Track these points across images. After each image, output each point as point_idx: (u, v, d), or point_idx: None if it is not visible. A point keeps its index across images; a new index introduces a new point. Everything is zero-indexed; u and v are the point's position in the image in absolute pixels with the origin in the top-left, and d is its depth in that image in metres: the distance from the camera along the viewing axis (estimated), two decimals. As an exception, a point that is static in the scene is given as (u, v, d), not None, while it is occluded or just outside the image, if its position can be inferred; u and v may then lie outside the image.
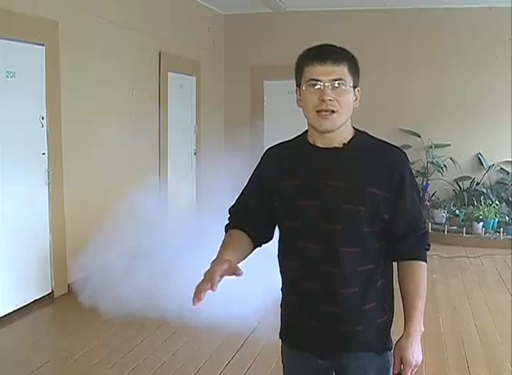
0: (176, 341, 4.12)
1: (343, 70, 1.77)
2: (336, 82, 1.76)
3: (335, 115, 1.77)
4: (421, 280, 1.83)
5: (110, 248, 4.62)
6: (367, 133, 1.88)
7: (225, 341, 4.12)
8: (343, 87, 1.77)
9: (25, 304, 4.65)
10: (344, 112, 1.78)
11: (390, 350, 1.89)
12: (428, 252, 1.88)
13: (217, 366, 3.78)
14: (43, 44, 4.75)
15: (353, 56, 1.83)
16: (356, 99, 1.82)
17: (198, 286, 1.67)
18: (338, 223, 1.79)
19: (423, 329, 1.83)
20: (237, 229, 1.93)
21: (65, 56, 5.00)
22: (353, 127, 1.87)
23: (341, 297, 1.81)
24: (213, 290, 1.65)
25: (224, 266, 1.70)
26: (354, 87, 1.81)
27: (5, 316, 4.47)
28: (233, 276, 1.71)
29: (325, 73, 1.75)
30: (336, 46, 1.83)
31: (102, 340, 4.13)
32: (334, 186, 1.80)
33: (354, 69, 1.81)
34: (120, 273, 4.57)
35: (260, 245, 1.96)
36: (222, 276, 1.68)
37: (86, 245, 4.65)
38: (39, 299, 4.77)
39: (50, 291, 4.88)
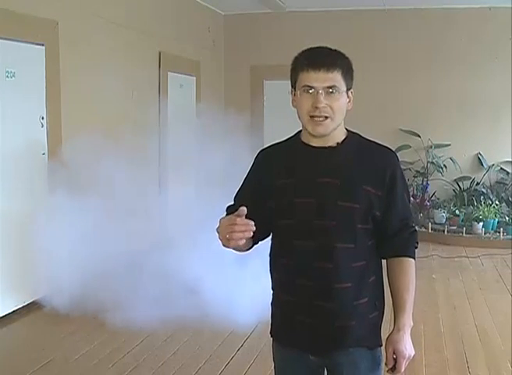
0: (176, 341, 4.12)
1: (336, 76, 1.79)
2: (330, 89, 1.79)
3: (328, 120, 1.81)
4: (411, 276, 1.89)
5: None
6: (359, 135, 1.93)
7: (225, 341, 4.12)
8: (337, 94, 1.79)
9: (25, 304, 4.65)
10: (337, 117, 1.82)
11: (381, 346, 1.93)
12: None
13: (217, 366, 3.78)
14: (43, 44, 4.75)
15: (347, 59, 1.85)
16: (349, 101, 1.86)
17: (223, 223, 1.73)
18: (333, 219, 1.82)
19: (412, 323, 1.87)
20: None
21: (65, 56, 5.01)
22: (346, 128, 1.91)
23: (335, 292, 1.84)
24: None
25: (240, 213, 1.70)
26: (348, 89, 1.84)
27: (5, 315, 4.48)
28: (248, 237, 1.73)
29: (319, 79, 1.78)
30: (330, 49, 1.84)
31: (102, 340, 4.13)
32: (329, 183, 1.83)
33: (348, 73, 1.83)
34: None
35: (257, 242, 1.98)
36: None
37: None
38: (39, 299, 4.77)
39: (50, 290, 4.87)
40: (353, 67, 1.87)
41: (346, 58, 1.85)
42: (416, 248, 1.93)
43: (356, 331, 1.87)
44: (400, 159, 1.96)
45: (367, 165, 1.85)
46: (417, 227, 1.98)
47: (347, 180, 1.83)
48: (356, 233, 1.84)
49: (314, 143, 1.86)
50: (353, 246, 1.84)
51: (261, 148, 2.01)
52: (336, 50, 1.85)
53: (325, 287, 1.84)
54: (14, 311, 4.56)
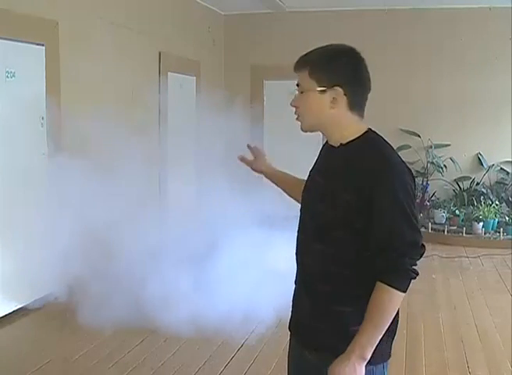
0: (176, 341, 4.12)
1: (302, 76, 1.79)
2: (296, 89, 1.82)
3: (300, 119, 1.84)
4: (379, 304, 1.66)
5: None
6: (379, 138, 1.81)
7: (224, 341, 4.12)
8: (303, 93, 1.80)
9: (25, 304, 4.65)
10: (307, 117, 1.82)
11: (370, 363, 1.71)
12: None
13: (217, 366, 3.78)
14: (43, 44, 4.75)
15: (319, 56, 1.78)
16: (333, 99, 1.75)
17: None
18: (315, 220, 1.83)
19: (367, 357, 1.66)
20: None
21: (65, 56, 5.01)
22: (370, 129, 1.82)
23: (314, 292, 1.84)
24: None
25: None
26: (331, 86, 1.74)
27: (5, 316, 4.48)
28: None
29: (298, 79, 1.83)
30: (314, 50, 1.82)
31: (102, 340, 4.13)
32: (318, 184, 1.85)
33: (320, 70, 1.75)
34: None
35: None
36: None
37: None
38: (39, 299, 4.77)
39: (50, 290, 4.87)
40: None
41: (321, 55, 1.78)
42: (412, 278, 1.68)
43: (327, 337, 1.78)
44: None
45: (352, 171, 1.72)
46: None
47: (330, 183, 1.78)
48: (334, 238, 1.75)
49: (329, 140, 1.89)
50: (333, 251, 1.76)
51: None
52: (317, 49, 1.81)
53: (308, 285, 1.87)
54: (14, 311, 4.56)
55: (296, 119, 1.86)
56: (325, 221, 1.77)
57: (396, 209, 1.67)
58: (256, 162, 2.31)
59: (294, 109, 1.86)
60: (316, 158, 2.00)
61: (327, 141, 1.90)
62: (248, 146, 2.32)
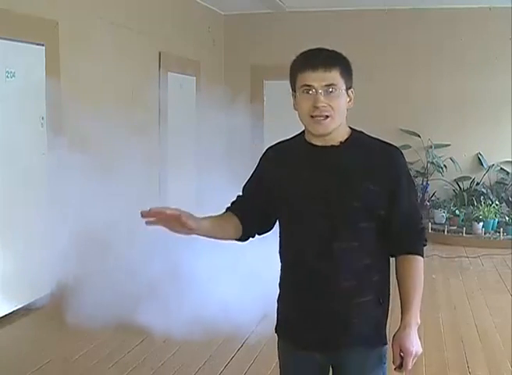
0: (176, 341, 4.11)
1: (335, 75, 1.80)
2: (329, 88, 1.80)
3: (328, 119, 1.81)
4: (418, 273, 1.88)
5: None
6: (363, 133, 1.93)
7: (224, 341, 4.12)
8: (336, 93, 1.81)
9: (24, 304, 4.65)
10: (337, 116, 1.83)
11: (385, 345, 1.93)
12: (426, 251, 1.93)
13: (217, 366, 3.78)
14: (43, 44, 4.75)
15: (345, 59, 1.87)
16: (350, 100, 1.87)
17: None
18: (334, 218, 1.83)
19: (419, 321, 1.86)
20: (232, 212, 2.00)
21: (65, 56, 5.01)
22: (350, 127, 1.92)
23: (337, 290, 1.84)
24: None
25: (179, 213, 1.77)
26: (348, 88, 1.85)
27: (5, 316, 4.48)
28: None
29: (318, 79, 1.79)
30: (328, 50, 1.86)
31: (102, 340, 4.13)
32: (331, 182, 1.84)
33: (347, 72, 1.84)
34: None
35: (253, 236, 2.03)
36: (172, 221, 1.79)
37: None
38: (39, 299, 4.77)
39: (50, 290, 4.87)
40: (354, 67, 1.87)
41: (344, 57, 1.87)
42: (425, 245, 1.93)
43: (359, 329, 1.87)
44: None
45: (369, 163, 1.85)
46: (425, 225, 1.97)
47: (348, 178, 1.83)
48: (358, 231, 1.84)
49: (318, 142, 1.88)
50: (357, 245, 1.84)
51: (268, 146, 2.03)
52: (333, 50, 1.87)
53: (326, 285, 1.85)
54: (14, 311, 4.56)
55: (323, 119, 1.81)
56: (351, 216, 1.83)
57: (411, 190, 1.93)
58: (175, 225, 1.80)
59: (317, 109, 1.79)
60: (287, 162, 1.92)
61: (306, 142, 1.89)
62: (142, 214, 1.85)
